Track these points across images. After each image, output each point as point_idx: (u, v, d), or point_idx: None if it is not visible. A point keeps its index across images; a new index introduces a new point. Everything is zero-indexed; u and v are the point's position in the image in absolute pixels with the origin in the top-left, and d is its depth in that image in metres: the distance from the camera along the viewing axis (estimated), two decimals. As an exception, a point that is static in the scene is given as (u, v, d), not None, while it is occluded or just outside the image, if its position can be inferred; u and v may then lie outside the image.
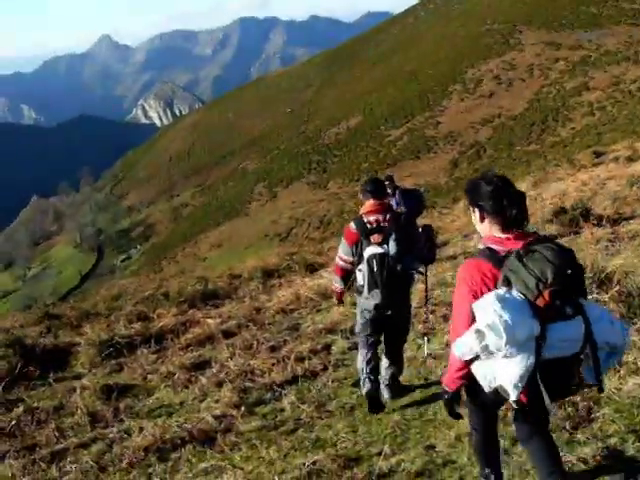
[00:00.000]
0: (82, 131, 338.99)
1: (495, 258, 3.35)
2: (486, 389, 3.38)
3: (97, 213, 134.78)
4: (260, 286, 13.12)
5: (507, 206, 3.41)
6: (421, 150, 78.89)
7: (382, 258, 5.57)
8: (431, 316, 8.17)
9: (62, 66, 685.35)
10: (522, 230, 3.43)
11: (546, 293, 3.12)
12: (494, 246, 3.43)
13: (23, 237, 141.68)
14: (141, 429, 6.38)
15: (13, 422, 7.12)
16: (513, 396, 3.24)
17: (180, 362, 8.30)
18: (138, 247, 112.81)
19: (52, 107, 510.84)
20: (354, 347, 7.73)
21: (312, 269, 13.97)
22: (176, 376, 7.87)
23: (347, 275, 6.12)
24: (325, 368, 7.41)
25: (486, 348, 3.18)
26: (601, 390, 3.46)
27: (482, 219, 3.57)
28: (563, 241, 11.00)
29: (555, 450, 3.67)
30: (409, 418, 5.75)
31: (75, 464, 5.94)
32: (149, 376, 8.24)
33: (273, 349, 8.29)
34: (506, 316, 3.07)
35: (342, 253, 5.95)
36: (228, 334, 9.40)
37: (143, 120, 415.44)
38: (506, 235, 3.43)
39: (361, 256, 5.70)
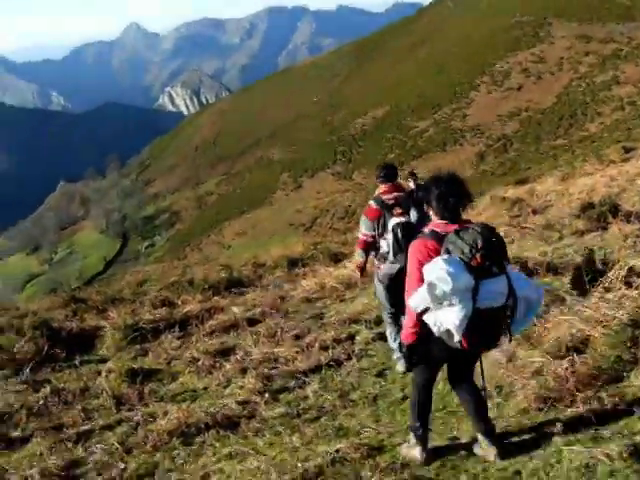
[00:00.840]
0: (110, 118, 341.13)
1: (437, 237, 4.43)
2: (436, 333, 4.34)
3: (123, 199, 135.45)
4: (285, 275, 13.14)
5: (447, 205, 4.51)
6: (447, 142, 78.51)
7: (405, 225, 6.44)
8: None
9: (91, 53, 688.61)
10: (457, 219, 4.50)
11: (478, 256, 4.15)
12: (437, 229, 4.50)
13: (50, 222, 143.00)
14: (165, 413, 6.44)
15: (41, 402, 7.22)
16: (457, 337, 4.24)
17: (204, 348, 8.35)
18: (163, 234, 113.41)
19: (80, 94, 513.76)
20: (378, 338, 7.75)
21: (336, 259, 13.96)
22: (200, 362, 7.92)
23: (368, 248, 6.90)
24: (349, 358, 7.42)
25: (436, 297, 4.14)
26: (511, 336, 4.53)
27: (431, 211, 4.68)
28: (590, 237, 10.93)
29: (482, 398, 4.76)
30: (432, 409, 5.74)
31: (101, 445, 6.02)
32: (173, 361, 8.31)
33: (297, 337, 8.31)
34: (450, 269, 4.08)
35: (364, 229, 6.80)
36: (252, 322, 9.44)
37: (170, 108, 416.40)
38: (445, 222, 4.51)
39: (385, 227, 6.58)
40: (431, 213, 4.67)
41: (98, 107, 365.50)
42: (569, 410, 5.04)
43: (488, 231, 4.27)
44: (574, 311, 6.87)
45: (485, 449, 4.68)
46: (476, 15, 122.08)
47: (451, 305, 4.12)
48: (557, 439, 4.69)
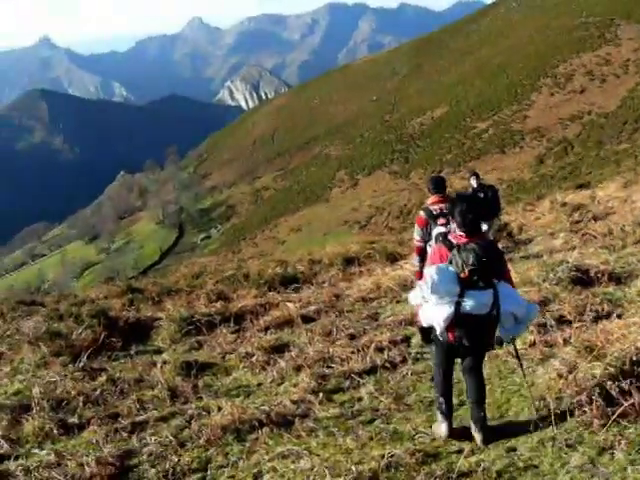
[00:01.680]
0: (170, 110, 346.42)
1: (450, 246, 5.21)
2: (425, 325, 5.34)
3: (180, 191, 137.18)
4: (340, 273, 13.09)
5: (466, 221, 5.17)
6: (506, 144, 77.48)
7: (445, 235, 6.50)
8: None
9: (154, 47, 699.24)
10: (473, 233, 5.17)
11: (466, 270, 4.90)
12: (453, 239, 5.27)
13: (109, 211, 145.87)
14: (219, 408, 6.43)
15: (97, 390, 7.30)
16: (439, 330, 5.15)
17: (259, 344, 8.35)
18: (218, 227, 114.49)
19: (142, 86, 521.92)
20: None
21: (393, 259, 13.84)
22: (255, 357, 7.92)
23: (424, 253, 7.54)
24: (404, 360, 7.34)
25: (422, 296, 5.13)
26: (500, 344, 5.50)
27: (453, 222, 5.41)
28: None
29: (481, 386, 5.41)
30: (490, 417, 5.62)
31: (155, 437, 6.04)
32: (228, 355, 8.33)
33: (352, 337, 8.25)
34: (435, 278, 4.93)
35: (416, 235, 7.79)
36: (307, 319, 9.42)
37: (229, 102, 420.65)
38: (461, 234, 5.21)
39: (430, 235, 7.42)
40: (453, 224, 5.43)
41: (160, 99, 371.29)
42: (633, 427, 4.87)
43: (483, 251, 4.95)
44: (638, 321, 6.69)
45: (474, 434, 5.31)
46: (540, 15, 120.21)
47: (437, 304, 5.00)
48: (620, 456, 4.54)
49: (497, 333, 5.29)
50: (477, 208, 5.29)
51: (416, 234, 7.74)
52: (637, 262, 9.55)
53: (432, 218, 7.46)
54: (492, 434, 5.28)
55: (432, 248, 5.52)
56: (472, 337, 5.13)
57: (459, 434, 5.37)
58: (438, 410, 5.47)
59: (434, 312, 5.06)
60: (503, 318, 5.09)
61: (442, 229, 7.17)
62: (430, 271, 5.02)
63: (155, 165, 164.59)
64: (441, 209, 7.37)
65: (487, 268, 4.94)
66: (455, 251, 5.04)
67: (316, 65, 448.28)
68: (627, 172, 34.51)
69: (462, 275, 4.92)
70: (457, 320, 5.00)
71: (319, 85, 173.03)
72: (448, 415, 5.39)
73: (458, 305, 4.94)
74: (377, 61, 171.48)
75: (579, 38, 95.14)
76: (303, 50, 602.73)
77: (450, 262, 5.05)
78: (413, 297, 5.41)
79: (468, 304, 4.93)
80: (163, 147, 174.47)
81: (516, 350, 5.64)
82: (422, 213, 7.54)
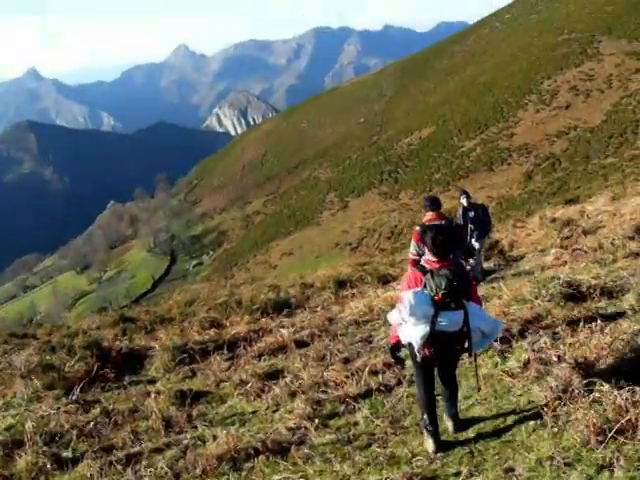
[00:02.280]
0: (159, 138, 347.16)
1: (424, 271, 5.69)
2: (405, 342, 5.76)
3: (171, 219, 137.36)
4: (332, 296, 13.06)
5: (436, 248, 5.68)
6: (494, 162, 77.85)
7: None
8: (507, 333, 8.00)
9: (140, 75, 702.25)
10: (443, 258, 5.67)
11: (440, 294, 5.43)
12: (426, 265, 5.75)
13: (100, 241, 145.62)
14: (215, 437, 6.38)
15: (91, 423, 7.25)
16: (416, 346, 5.59)
17: (253, 370, 8.31)
18: (210, 253, 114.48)
19: (130, 115, 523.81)
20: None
21: (385, 281, 13.83)
22: (249, 385, 7.87)
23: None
24: (399, 383, 7.30)
25: (401, 318, 5.57)
26: (470, 354, 5.90)
27: (425, 248, 5.96)
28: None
29: (454, 387, 6.03)
30: (486, 438, 5.60)
31: (150, 468, 5.99)
32: (222, 383, 8.29)
33: (346, 361, 8.20)
34: (412, 301, 5.43)
35: (412, 249, 8.47)
36: (301, 344, 9.38)
37: (218, 128, 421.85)
38: (434, 260, 5.70)
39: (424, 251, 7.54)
40: (426, 249, 5.95)
41: (148, 127, 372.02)
42: (631, 443, 4.84)
43: (454, 275, 5.50)
44: (631, 336, 6.70)
45: (447, 423, 6.01)
46: (523, 34, 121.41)
47: (414, 325, 5.50)
48: (620, 474, 4.52)
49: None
50: (446, 235, 5.82)
51: (412, 248, 8.46)
52: (628, 276, 9.54)
53: (425, 233, 7.86)
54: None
55: (407, 275, 6.09)
56: (445, 351, 5.70)
57: (445, 447, 5.68)
58: (424, 427, 5.78)
59: (412, 331, 5.57)
60: (472, 334, 5.63)
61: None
62: (407, 295, 5.53)
63: (145, 193, 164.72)
64: (435, 225, 7.51)
65: (458, 291, 5.49)
66: (429, 276, 5.57)
67: (303, 89, 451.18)
68: (615, 186, 34.75)
69: (436, 298, 5.46)
70: (432, 337, 5.52)
71: (307, 109, 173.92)
72: (434, 431, 5.72)
73: (433, 324, 5.47)
74: (363, 83, 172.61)
75: (562, 55, 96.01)
76: (290, 74, 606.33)
77: (425, 286, 5.57)
78: (392, 317, 5.85)
79: (442, 323, 5.48)
80: (152, 175, 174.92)
81: (475, 358, 6.23)
82: (418, 228, 8.09)
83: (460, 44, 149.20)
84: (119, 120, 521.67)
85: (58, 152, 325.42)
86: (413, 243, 8.40)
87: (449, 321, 5.50)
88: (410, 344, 5.71)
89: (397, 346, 5.98)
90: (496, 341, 7.58)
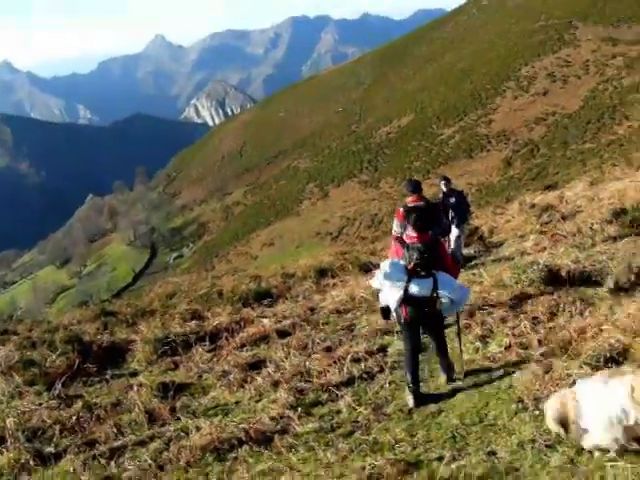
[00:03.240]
0: (136, 130, 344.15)
1: (403, 244, 6.84)
2: (383, 305, 6.75)
3: (150, 211, 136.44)
4: (314, 285, 13.06)
5: (417, 226, 6.71)
6: (474, 149, 78.02)
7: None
8: (489, 318, 8.05)
9: (117, 67, 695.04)
10: (422, 233, 6.69)
11: (411, 264, 6.45)
12: (407, 240, 6.80)
13: (79, 235, 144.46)
14: (198, 428, 6.39)
15: (73, 417, 7.21)
16: (392, 308, 6.56)
17: (235, 361, 8.31)
18: (190, 245, 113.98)
19: (107, 107, 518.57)
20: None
21: (366, 269, 13.83)
22: (231, 375, 7.88)
23: (401, 242, 8.40)
24: (382, 370, 7.34)
25: (379, 283, 6.62)
26: (444, 316, 6.88)
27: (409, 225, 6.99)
28: (624, 242, 10.73)
29: (442, 342, 6.90)
30: (468, 423, 5.63)
31: (134, 461, 5.98)
32: (204, 375, 8.28)
33: (328, 349, 8.23)
34: (387, 269, 6.51)
35: (395, 227, 8.92)
36: (283, 333, 9.38)
37: (196, 119, 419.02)
38: (414, 235, 6.70)
39: (406, 227, 7.93)
40: (408, 227, 6.98)
41: (125, 119, 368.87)
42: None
43: (425, 248, 6.52)
44: (612, 320, 6.75)
45: (440, 375, 6.95)
46: (500, 20, 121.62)
47: (390, 289, 6.48)
48: (599, 455, 4.56)
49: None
50: (426, 214, 7.26)
51: (395, 226, 8.93)
52: (607, 260, 9.62)
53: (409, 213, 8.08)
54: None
55: (392, 245, 7.66)
56: (419, 312, 6.54)
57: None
58: (407, 385, 6.55)
59: (388, 295, 6.58)
60: (441, 299, 6.51)
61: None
62: (384, 264, 6.67)
63: (124, 186, 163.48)
64: (416, 206, 8.09)
65: (428, 262, 6.49)
66: (405, 249, 6.67)
67: (281, 78, 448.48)
68: (593, 171, 34.95)
69: (409, 267, 6.48)
70: (406, 300, 6.47)
71: (284, 98, 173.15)
72: (415, 389, 6.50)
73: (406, 289, 6.42)
74: (341, 72, 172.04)
75: (539, 41, 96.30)
76: (267, 64, 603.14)
77: (402, 258, 6.66)
78: (374, 282, 6.91)
79: (414, 288, 6.42)
80: (131, 167, 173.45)
81: (458, 324, 7.25)
82: (401, 209, 8.43)
83: (438, 31, 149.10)
84: (95, 113, 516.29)
85: (34, 145, 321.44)
86: (396, 222, 8.88)
87: (419, 287, 6.43)
88: (388, 306, 6.65)
89: (388, 309, 6.75)
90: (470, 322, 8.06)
